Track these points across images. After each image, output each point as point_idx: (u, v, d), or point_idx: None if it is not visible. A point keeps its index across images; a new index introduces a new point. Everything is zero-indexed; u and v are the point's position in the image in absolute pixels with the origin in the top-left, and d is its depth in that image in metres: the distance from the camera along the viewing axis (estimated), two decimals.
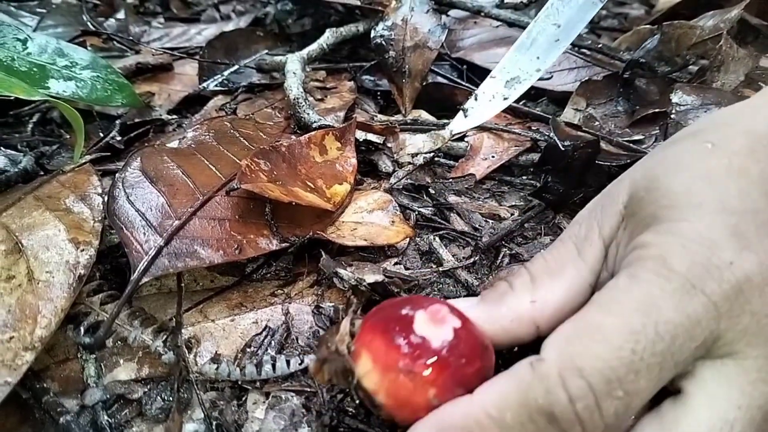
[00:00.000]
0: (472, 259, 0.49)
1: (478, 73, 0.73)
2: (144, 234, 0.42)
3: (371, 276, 0.44)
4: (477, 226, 0.52)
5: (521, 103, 0.68)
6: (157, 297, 0.44)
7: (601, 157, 0.52)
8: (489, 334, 0.31)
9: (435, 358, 0.28)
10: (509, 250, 0.50)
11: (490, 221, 0.53)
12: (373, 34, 0.67)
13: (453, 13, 0.80)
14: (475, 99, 0.58)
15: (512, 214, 0.54)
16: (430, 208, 0.55)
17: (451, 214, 0.54)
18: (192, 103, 0.72)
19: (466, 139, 0.62)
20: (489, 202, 0.56)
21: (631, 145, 0.59)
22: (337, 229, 0.50)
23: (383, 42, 0.65)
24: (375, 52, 0.67)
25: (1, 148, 0.63)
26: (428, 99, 0.68)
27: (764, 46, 0.84)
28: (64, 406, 0.37)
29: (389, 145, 0.62)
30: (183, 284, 0.44)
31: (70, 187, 0.49)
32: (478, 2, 0.75)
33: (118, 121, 0.65)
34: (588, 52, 0.72)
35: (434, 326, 0.30)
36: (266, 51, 0.79)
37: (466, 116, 0.58)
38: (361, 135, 0.60)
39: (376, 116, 0.66)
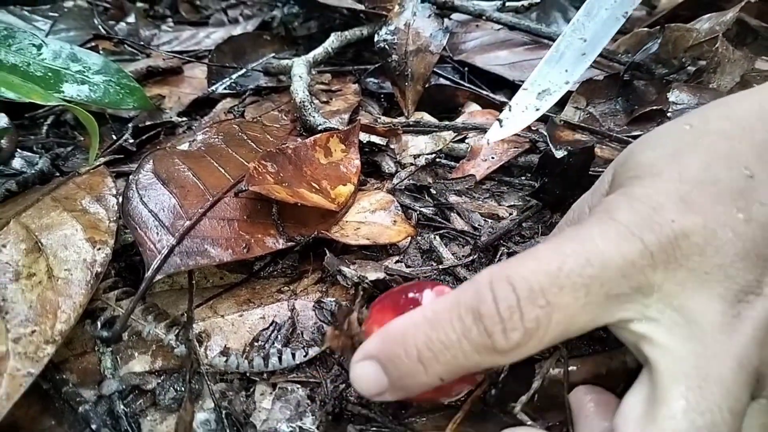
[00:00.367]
0: (471, 258, 0.51)
1: (479, 75, 0.74)
2: (157, 234, 0.44)
3: (373, 273, 0.46)
4: (476, 225, 0.54)
5: None
6: (169, 293, 0.47)
7: (595, 163, 0.54)
8: None
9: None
10: (507, 248, 0.51)
11: (489, 221, 0.55)
12: (376, 38, 0.69)
13: (455, 16, 0.82)
14: (510, 110, 0.61)
15: (511, 214, 0.55)
16: (431, 208, 0.57)
17: (452, 214, 0.55)
18: (201, 106, 0.74)
19: (466, 140, 0.64)
20: (488, 202, 0.58)
21: (629, 140, 0.60)
22: (341, 228, 0.52)
23: (386, 46, 0.67)
24: (379, 56, 0.69)
25: (18, 150, 0.65)
26: (430, 101, 0.70)
27: (763, 48, 0.85)
28: (83, 396, 0.39)
29: (392, 146, 0.64)
30: (194, 282, 0.46)
31: (85, 189, 0.51)
32: (480, 6, 0.77)
33: (130, 124, 0.67)
34: None
35: None
36: (273, 54, 0.81)
37: (501, 126, 0.60)
38: (365, 137, 0.62)
39: (380, 118, 0.68)
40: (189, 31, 0.91)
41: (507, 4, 0.80)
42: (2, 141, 0.63)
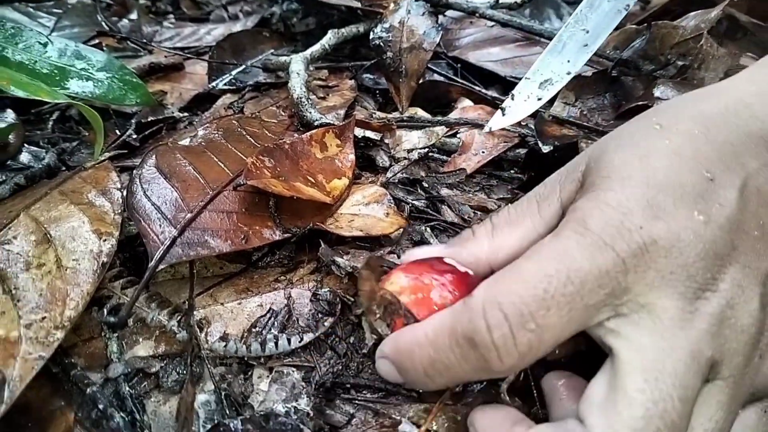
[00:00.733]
0: None
1: (472, 71, 0.76)
2: (160, 226, 0.46)
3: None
4: (466, 217, 0.56)
5: None
6: (171, 282, 0.49)
7: None
8: None
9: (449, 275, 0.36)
10: None
11: (479, 213, 0.57)
12: (372, 35, 0.70)
13: (450, 13, 0.83)
14: (512, 99, 0.62)
15: (499, 206, 0.58)
16: (423, 201, 0.59)
17: (443, 207, 0.58)
18: (202, 101, 0.76)
19: (458, 135, 0.66)
20: (478, 195, 0.60)
21: None
22: (335, 220, 0.54)
23: (381, 43, 0.69)
24: (374, 53, 0.71)
25: (25, 144, 0.68)
26: (424, 96, 0.72)
27: (752, 43, 0.87)
28: (90, 379, 0.42)
29: (386, 141, 0.66)
30: (195, 271, 0.49)
31: (91, 183, 0.53)
32: (473, 3, 0.78)
33: (133, 120, 0.69)
34: None
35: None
36: (272, 51, 0.83)
37: (504, 114, 0.62)
38: (360, 132, 0.64)
39: (375, 113, 0.70)
40: (190, 27, 0.93)
41: (500, 1, 0.82)
42: (10, 136, 0.65)
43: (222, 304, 0.47)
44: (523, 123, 0.68)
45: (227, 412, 0.40)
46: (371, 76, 0.78)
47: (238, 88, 0.76)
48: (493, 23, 0.79)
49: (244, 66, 0.78)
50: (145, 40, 0.89)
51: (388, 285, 0.37)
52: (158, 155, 0.54)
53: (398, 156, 0.64)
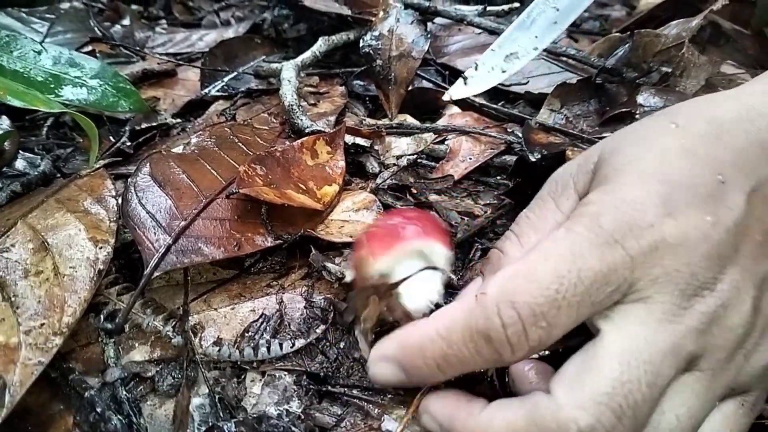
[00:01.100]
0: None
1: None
2: (155, 234, 0.48)
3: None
4: (453, 223, 0.58)
5: (500, 104, 0.74)
6: (166, 288, 0.50)
7: None
8: None
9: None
10: (481, 245, 0.55)
11: (466, 218, 0.59)
12: (362, 43, 0.72)
13: (438, 19, 0.85)
14: (476, 69, 0.63)
15: (485, 212, 0.59)
16: (412, 206, 0.60)
17: (431, 212, 0.59)
18: (195, 107, 0.77)
19: (446, 142, 0.67)
20: (466, 200, 0.62)
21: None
22: (326, 227, 0.55)
23: (371, 51, 0.71)
24: (364, 60, 0.73)
25: (20, 151, 0.69)
26: (413, 103, 0.74)
27: (734, 50, 0.89)
28: (88, 383, 0.43)
29: (376, 147, 0.67)
30: (189, 277, 0.50)
31: (87, 191, 0.54)
32: (461, 11, 0.80)
33: (127, 127, 0.70)
34: (563, 59, 0.77)
35: None
36: (263, 57, 0.85)
37: (466, 84, 0.62)
38: (350, 139, 0.66)
39: (365, 120, 0.72)
40: (182, 33, 0.94)
41: (487, 8, 0.83)
42: (6, 144, 0.66)
43: (216, 309, 0.48)
44: (509, 130, 0.69)
45: (221, 414, 0.42)
46: (361, 83, 0.79)
47: (231, 95, 0.78)
48: (480, 31, 0.80)
49: (236, 73, 0.79)
50: (137, 47, 0.90)
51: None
52: (152, 163, 0.56)
53: (388, 162, 0.66)
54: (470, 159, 0.64)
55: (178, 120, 0.74)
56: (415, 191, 0.62)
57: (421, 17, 0.76)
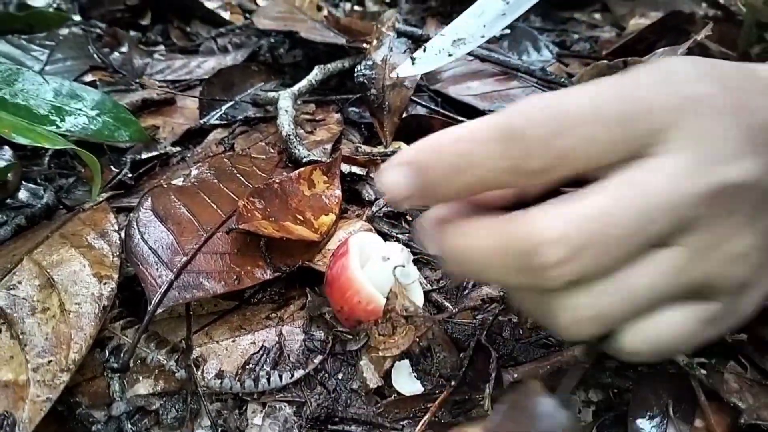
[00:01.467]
0: (442, 282, 0.56)
1: (452, 104, 0.80)
2: (157, 270, 0.49)
3: None
4: None
5: None
6: (168, 321, 0.52)
7: None
8: None
9: None
10: None
11: None
12: (356, 72, 0.74)
13: None
14: (424, 51, 0.66)
15: None
16: (407, 234, 0.62)
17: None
18: (194, 135, 0.79)
19: None
20: None
21: None
22: (323, 257, 0.57)
23: (365, 80, 0.72)
24: (358, 89, 0.74)
25: (23, 182, 0.70)
26: (407, 129, 0.75)
27: None
28: (95, 417, 0.44)
29: (372, 175, 0.69)
30: (191, 312, 0.51)
31: (90, 225, 0.56)
32: None
33: (128, 157, 0.72)
34: (554, 86, 0.79)
35: None
36: (261, 84, 0.86)
37: (413, 64, 0.66)
38: (346, 168, 0.67)
39: (361, 147, 0.73)
40: (180, 60, 0.96)
41: None
42: (9, 175, 0.67)
43: (217, 342, 0.50)
44: None
45: None
46: (356, 110, 0.81)
47: (229, 123, 0.79)
48: (472, 58, 0.82)
49: (233, 102, 0.81)
50: (136, 74, 0.92)
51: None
52: (153, 197, 0.57)
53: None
54: None
55: (178, 148, 0.76)
56: (409, 218, 0.64)
57: (414, 45, 0.77)
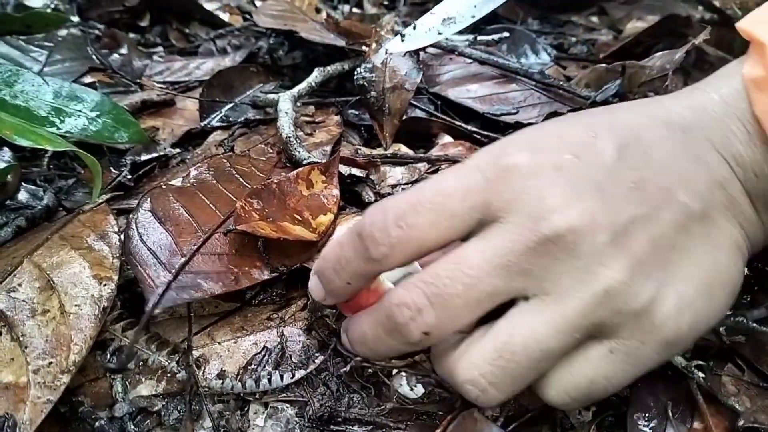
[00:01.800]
0: None
1: (452, 107, 0.80)
2: (155, 271, 0.49)
3: None
4: None
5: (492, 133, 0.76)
6: (170, 322, 0.52)
7: None
8: None
9: None
10: None
11: None
12: (356, 75, 0.74)
13: (430, 48, 0.87)
14: (414, 28, 0.67)
15: None
16: None
17: None
18: (194, 137, 0.79)
19: (439, 171, 0.69)
20: None
21: None
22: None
23: (365, 83, 0.73)
24: (358, 91, 0.75)
25: (22, 183, 0.70)
26: (407, 132, 0.76)
27: None
28: (98, 415, 0.44)
29: (371, 177, 0.69)
30: (192, 313, 0.51)
31: (90, 227, 0.56)
32: (453, 41, 0.82)
33: (128, 159, 0.72)
34: (553, 89, 0.79)
35: None
36: (261, 85, 0.87)
37: (402, 41, 0.66)
38: (346, 170, 0.67)
39: (360, 149, 0.73)
40: (180, 61, 0.96)
41: (478, 38, 0.86)
42: (8, 176, 0.67)
43: (219, 343, 0.50)
44: None
45: None
46: (356, 112, 0.81)
47: (229, 125, 0.79)
48: (471, 61, 0.82)
49: (233, 103, 0.81)
50: (136, 76, 0.92)
51: None
52: (153, 198, 0.57)
53: (383, 191, 0.67)
54: None
55: (177, 150, 0.75)
56: None
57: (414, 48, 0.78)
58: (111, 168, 0.73)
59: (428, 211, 0.36)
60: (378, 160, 0.69)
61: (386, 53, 0.70)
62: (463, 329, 0.37)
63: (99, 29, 1.10)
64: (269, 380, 0.46)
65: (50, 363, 0.43)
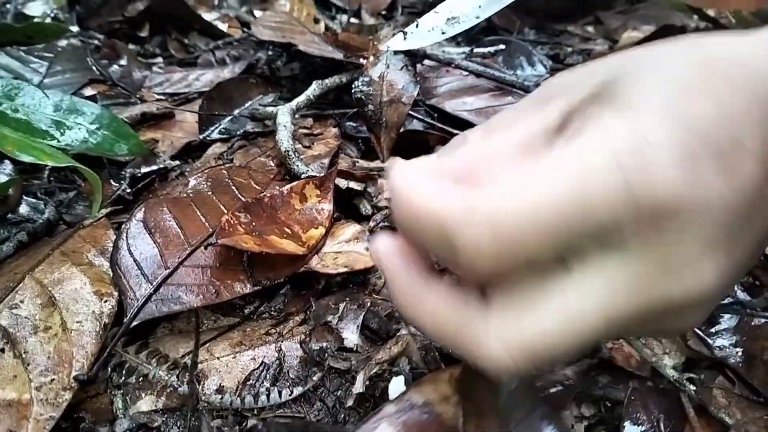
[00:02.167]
0: None
1: (448, 119, 0.81)
2: (137, 282, 0.50)
3: (354, 320, 0.52)
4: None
5: None
6: (170, 337, 0.52)
7: None
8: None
9: None
10: None
11: None
12: (353, 88, 0.75)
13: (427, 61, 0.88)
14: (416, 26, 0.67)
15: None
16: None
17: None
18: (193, 150, 0.80)
19: None
20: None
21: None
22: (320, 260, 0.58)
23: (363, 97, 0.74)
24: (356, 105, 0.76)
25: (23, 196, 0.71)
26: (404, 144, 0.76)
27: None
28: (99, 430, 0.45)
29: (369, 190, 0.70)
30: (200, 330, 0.52)
31: (90, 242, 0.57)
32: (449, 54, 0.83)
33: (127, 171, 0.72)
34: None
35: None
36: (259, 97, 0.87)
37: (405, 39, 0.66)
38: (343, 183, 0.68)
39: (358, 161, 0.74)
40: (179, 73, 0.97)
41: (474, 50, 0.87)
42: (10, 190, 0.68)
43: (218, 358, 0.50)
44: None
45: None
46: (354, 124, 0.82)
47: (228, 137, 0.80)
48: (468, 73, 0.83)
49: (232, 116, 0.82)
50: (135, 87, 0.93)
51: None
52: (147, 209, 0.58)
53: (380, 205, 0.68)
54: None
55: (177, 162, 0.76)
56: None
57: (411, 61, 0.78)
58: (111, 180, 0.73)
59: (550, 242, 0.26)
60: (375, 172, 0.70)
61: (387, 50, 0.69)
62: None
63: (99, 39, 1.11)
64: (268, 396, 0.47)
65: (52, 380, 0.44)
